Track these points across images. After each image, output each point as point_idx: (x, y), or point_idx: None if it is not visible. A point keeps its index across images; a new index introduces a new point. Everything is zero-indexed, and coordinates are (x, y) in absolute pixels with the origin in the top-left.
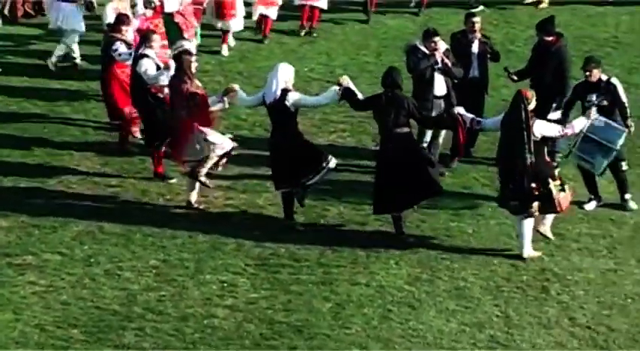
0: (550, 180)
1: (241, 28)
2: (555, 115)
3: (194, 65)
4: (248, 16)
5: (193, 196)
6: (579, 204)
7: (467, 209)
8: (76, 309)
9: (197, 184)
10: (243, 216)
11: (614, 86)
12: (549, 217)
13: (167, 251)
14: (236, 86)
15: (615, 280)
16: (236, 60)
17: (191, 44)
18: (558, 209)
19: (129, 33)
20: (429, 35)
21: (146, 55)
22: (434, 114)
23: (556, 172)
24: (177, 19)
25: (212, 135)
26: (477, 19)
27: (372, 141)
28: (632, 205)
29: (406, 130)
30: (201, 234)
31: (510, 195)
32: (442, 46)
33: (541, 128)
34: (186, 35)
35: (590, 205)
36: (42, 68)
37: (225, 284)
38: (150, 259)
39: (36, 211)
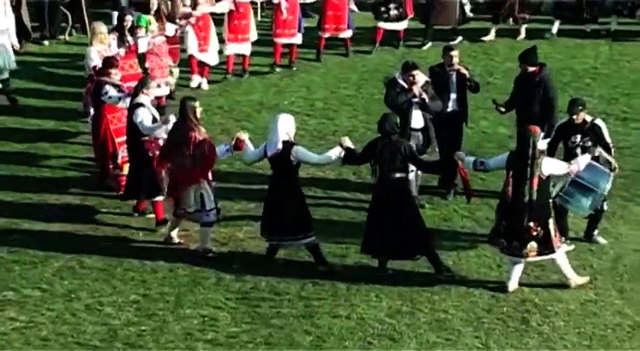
0: (550, 220)
1: (216, 62)
2: (543, 144)
3: (199, 110)
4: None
5: (174, 233)
6: None
7: (447, 241)
8: (57, 345)
9: (179, 223)
10: (224, 250)
11: (599, 128)
12: (565, 267)
13: (148, 285)
14: (245, 136)
15: (595, 311)
16: (216, 94)
17: (163, 83)
18: (556, 250)
19: (117, 75)
20: (407, 68)
21: (142, 105)
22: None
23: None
24: (150, 60)
25: (210, 195)
26: (454, 52)
27: (352, 174)
28: (601, 239)
29: (401, 175)
30: (182, 268)
31: (507, 233)
32: (421, 78)
33: (549, 166)
34: (156, 74)
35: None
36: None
37: (206, 318)
38: (130, 294)
39: (16, 246)
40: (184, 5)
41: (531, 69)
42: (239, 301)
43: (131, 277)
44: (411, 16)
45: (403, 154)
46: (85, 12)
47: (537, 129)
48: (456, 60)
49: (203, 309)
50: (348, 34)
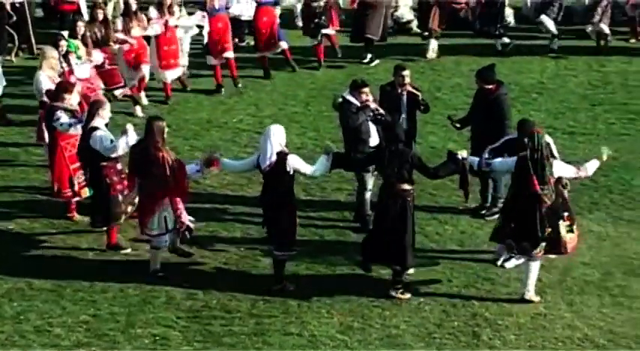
0: (561, 221)
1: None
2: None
3: (166, 130)
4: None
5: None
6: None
7: None
8: None
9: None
10: (174, 268)
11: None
12: (533, 276)
13: (98, 306)
14: (217, 154)
15: (545, 324)
16: (164, 112)
17: None
18: (563, 251)
19: (72, 100)
20: (357, 86)
21: (97, 128)
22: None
23: (566, 213)
24: (80, 85)
25: (171, 218)
26: (406, 72)
27: (302, 191)
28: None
29: (407, 187)
30: (132, 287)
31: (516, 234)
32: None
33: (559, 169)
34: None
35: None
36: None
37: (157, 338)
38: (80, 314)
39: None
40: (116, 31)
41: (488, 87)
42: (190, 319)
43: (81, 297)
44: (336, 28)
45: (410, 162)
46: (31, 32)
47: (542, 130)
48: (407, 80)
49: (154, 328)
50: (283, 46)
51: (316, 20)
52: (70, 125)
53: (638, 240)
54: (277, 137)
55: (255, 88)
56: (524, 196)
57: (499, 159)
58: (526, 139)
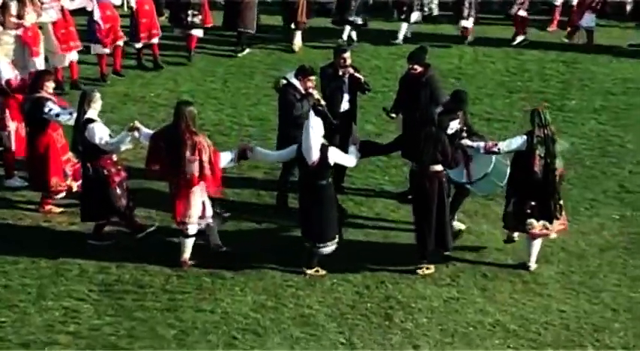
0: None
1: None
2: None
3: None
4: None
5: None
6: None
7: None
8: None
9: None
10: (87, 241)
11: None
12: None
13: (9, 276)
14: (251, 145)
15: (457, 308)
16: (80, 86)
17: None
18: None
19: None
20: (305, 73)
21: (93, 120)
22: None
23: None
24: None
25: (208, 202)
26: (347, 54)
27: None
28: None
29: (439, 168)
30: (44, 259)
31: (532, 214)
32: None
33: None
34: None
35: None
36: None
37: (68, 310)
38: None
39: None
40: (11, 15)
41: (416, 70)
42: (102, 293)
43: None
44: (209, 24)
45: (443, 144)
46: None
47: (543, 107)
48: (349, 61)
49: (65, 301)
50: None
51: (191, 12)
52: (71, 114)
53: None
54: (318, 131)
55: (174, 62)
56: (535, 173)
57: (506, 142)
58: (534, 117)
